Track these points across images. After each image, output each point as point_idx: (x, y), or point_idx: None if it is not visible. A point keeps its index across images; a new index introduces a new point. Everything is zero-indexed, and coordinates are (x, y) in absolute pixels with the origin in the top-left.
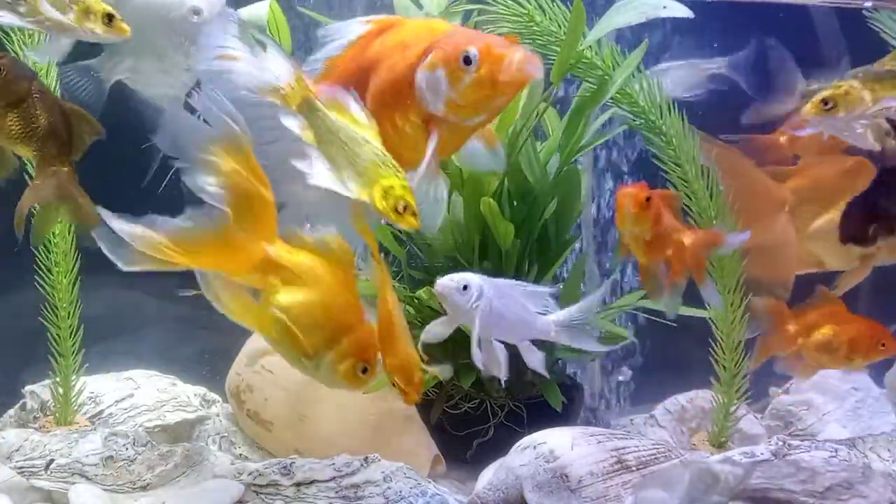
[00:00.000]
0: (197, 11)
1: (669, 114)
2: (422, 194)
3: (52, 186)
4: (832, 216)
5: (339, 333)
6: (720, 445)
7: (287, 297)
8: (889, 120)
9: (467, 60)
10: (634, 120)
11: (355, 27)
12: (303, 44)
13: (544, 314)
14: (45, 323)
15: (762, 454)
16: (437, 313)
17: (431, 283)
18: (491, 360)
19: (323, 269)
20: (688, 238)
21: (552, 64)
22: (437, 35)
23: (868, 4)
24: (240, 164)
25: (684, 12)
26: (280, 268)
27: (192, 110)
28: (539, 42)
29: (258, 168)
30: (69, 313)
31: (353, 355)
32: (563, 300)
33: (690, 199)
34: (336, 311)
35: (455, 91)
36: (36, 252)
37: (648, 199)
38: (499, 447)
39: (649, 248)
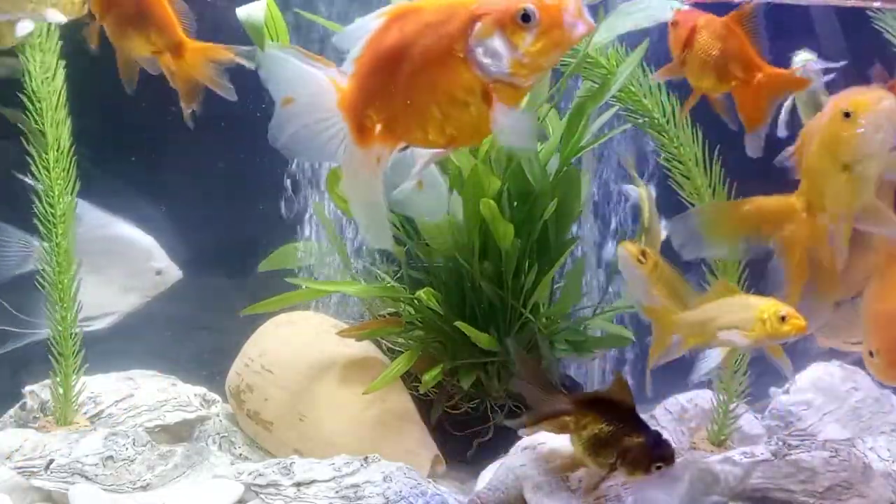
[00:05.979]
0: (159, 272)
1: (673, 112)
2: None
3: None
4: None
5: None
6: (720, 444)
7: None
8: None
9: (526, 17)
10: (639, 119)
11: (369, 23)
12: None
13: None
14: (46, 322)
15: (762, 454)
16: (437, 314)
17: (431, 283)
18: None
19: None
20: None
21: (562, 67)
22: (469, 6)
23: (877, 4)
24: None
25: None
26: None
27: None
28: None
29: None
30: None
31: None
32: (563, 300)
33: (693, 195)
34: None
35: (519, 51)
36: None
37: None
38: (499, 447)
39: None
